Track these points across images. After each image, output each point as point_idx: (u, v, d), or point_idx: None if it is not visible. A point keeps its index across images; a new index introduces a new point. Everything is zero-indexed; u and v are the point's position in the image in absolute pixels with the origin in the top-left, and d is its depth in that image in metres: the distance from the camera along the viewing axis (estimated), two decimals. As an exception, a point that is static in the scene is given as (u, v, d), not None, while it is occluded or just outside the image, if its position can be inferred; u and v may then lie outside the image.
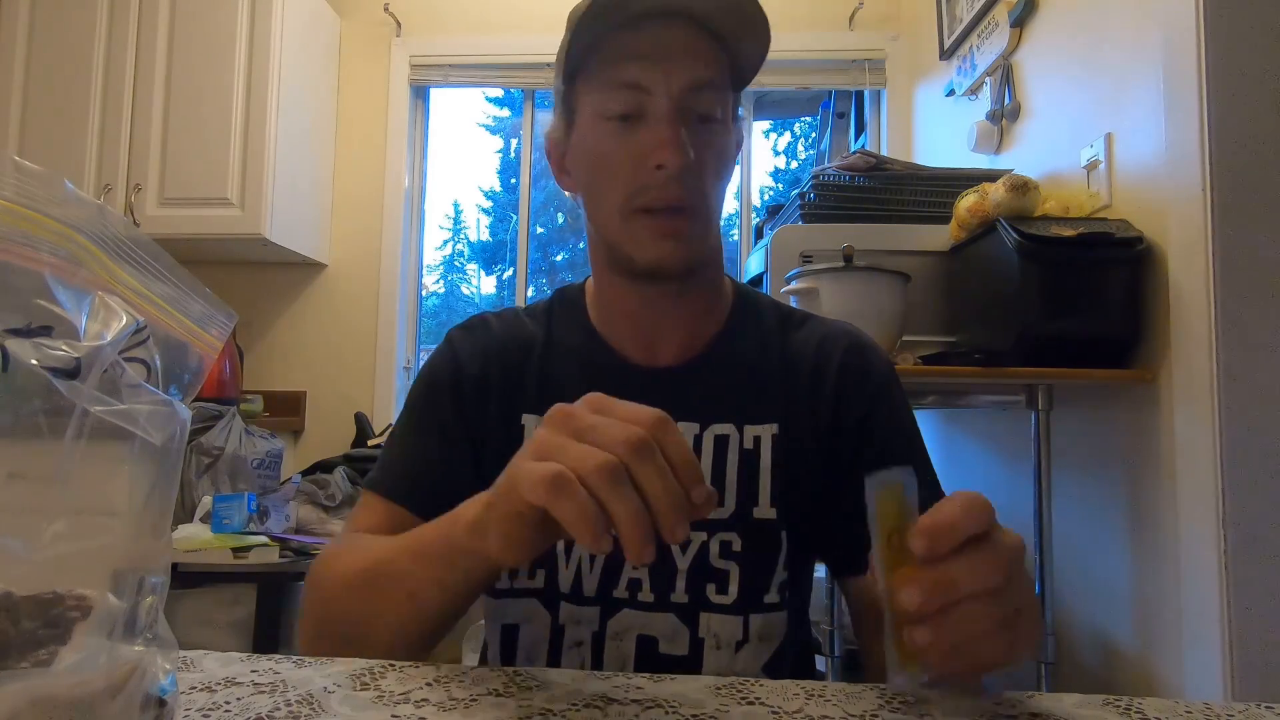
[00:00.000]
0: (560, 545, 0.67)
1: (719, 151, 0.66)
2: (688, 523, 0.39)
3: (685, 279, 0.67)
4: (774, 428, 0.68)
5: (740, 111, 0.74)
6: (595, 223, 0.69)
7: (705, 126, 0.65)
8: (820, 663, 1.62)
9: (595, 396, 0.43)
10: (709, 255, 0.69)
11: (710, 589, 0.65)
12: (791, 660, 0.68)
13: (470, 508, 0.49)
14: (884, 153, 2.43)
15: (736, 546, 0.66)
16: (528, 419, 0.70)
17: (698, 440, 0.68)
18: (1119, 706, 0.42)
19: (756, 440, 0.68)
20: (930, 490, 0.70)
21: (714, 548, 0.66)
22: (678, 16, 0.63)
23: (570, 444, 0.40)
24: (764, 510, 0.67)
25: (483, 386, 0.71)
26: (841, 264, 1.45)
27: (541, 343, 0.74)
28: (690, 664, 0.64)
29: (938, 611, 0.38)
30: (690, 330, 0.71)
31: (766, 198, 3.31)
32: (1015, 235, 1.34)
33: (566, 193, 0.76)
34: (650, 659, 0.65)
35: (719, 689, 0.43)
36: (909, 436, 0.72)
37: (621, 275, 0.69)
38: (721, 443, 0.68)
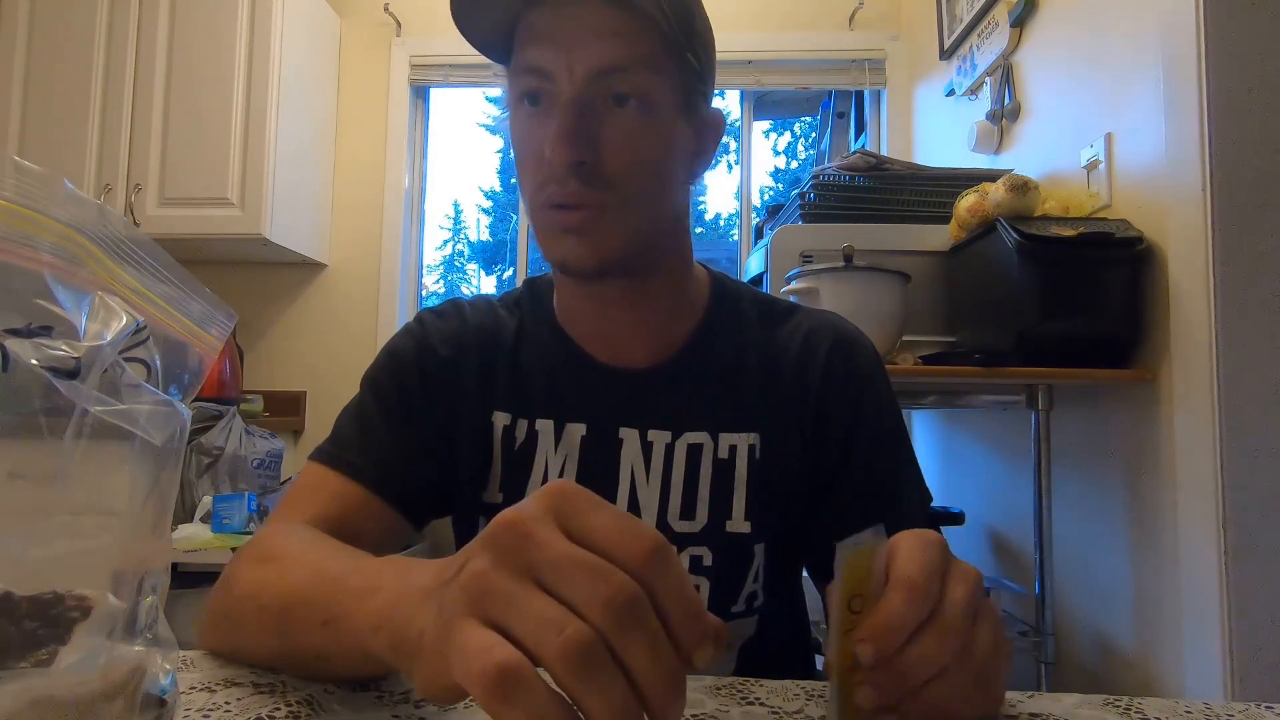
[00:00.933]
0: None
1: (640, 141, 0.58)
2: (684, 695, 0.28)
3: (605, 278, 0.61)
4: (752, 437, 0.65)
5: (719, 94, 0.67)
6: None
7: (623, 110, 0.58)
8: (820, 662, 1.62)
9: (560, 493, 0.29)
10: (633, 251, 0.61)
11: None
12: (766, 659, 0.65)
13: (394, 613, 0.34)
14: (884, 153, 2.43)
15: (707, 561, 0.63)
16: (498, 416, 0.67)
17: (669, 449, 0.65)
18: (1119, 706, 0.42)
19: (732, 450, 0.65)
20: (916, 490, 0.69)
21: (684, 562, 0.63)
22: None
23: (524, 596, 0.27)
24: (737, 524, 0.64)
25: (453, 375, 0.68)
26: (841, 264, 1.45)
27: (513, 335, 0.70)
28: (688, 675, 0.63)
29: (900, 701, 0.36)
30: (655, 331, 0.67)
31: (766, 198, 3.32)
32: (1015, 235, 1.34)
33: None
34: None
35: (719, 689, 0.43)
36: (895, 441, 0.69)
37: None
38: (695, 451, 0.65)
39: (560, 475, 0.65)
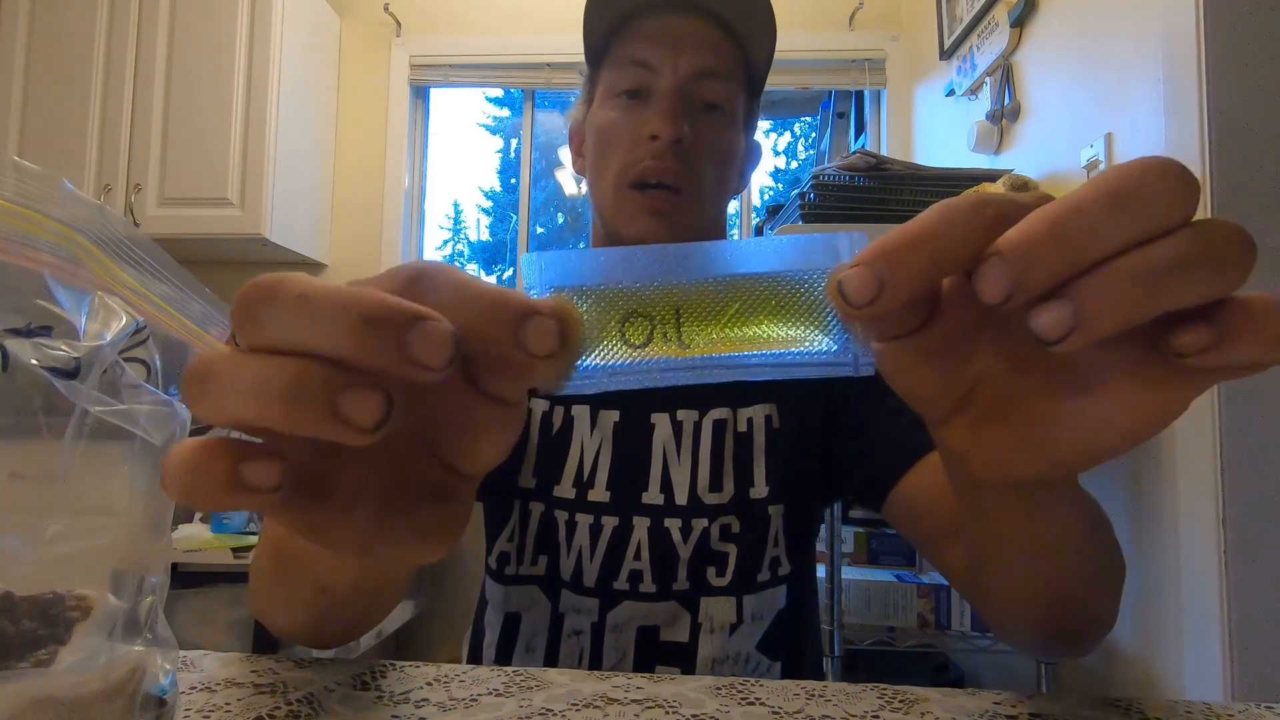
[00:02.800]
0: (561, 532, 0.67)
1: (721, 142, 0.68)
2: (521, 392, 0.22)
3: None
4: (768, 408, 0.69)
5: (755, 124, 0.75)
6: (594, 199, 0.71)
7: (709, 115, 0.67)
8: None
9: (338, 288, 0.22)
10: (699, 239, 0.69)
11: (710, 572, 0.66)
12: (787, 635, 0.68)
13: None
14: (884, 153, 2.43)
15: (735, 529, 0.67)
16: (536, 402, 0.70)
17: (697, 426, 0.68)
18: (1119, 706, 0.42)
19: (750, 422, 0.69)
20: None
21: (714, 532, 0.66)
22: (693, 9, 0.66)
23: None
24: (759, 489, 0.68)
25: None
26: (841, 264, 1.45)
27: None
28: (688, 649, 0.65)
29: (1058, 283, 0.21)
30: None
31: (766, 198, 3.32)
32: (1015, 235, 1.34)
33: (575, 175, 0.78)
34: (650, 647, 0.65)
35: (719, 689, 0.43)
36: None
37: None
38: (720, 427, 0.69)
39: (596, 459, 0.69)
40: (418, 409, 0.22)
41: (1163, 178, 0.22)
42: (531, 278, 0.22)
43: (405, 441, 0.22)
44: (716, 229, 0.72)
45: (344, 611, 0.44)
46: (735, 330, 0.22)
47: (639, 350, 0.22)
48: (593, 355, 0.22)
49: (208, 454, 0.18)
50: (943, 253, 0.21)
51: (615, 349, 0.22)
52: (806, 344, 0.22)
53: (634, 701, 0.40)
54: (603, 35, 0.69)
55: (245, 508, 0.19)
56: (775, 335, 0.22)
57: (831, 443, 0.70)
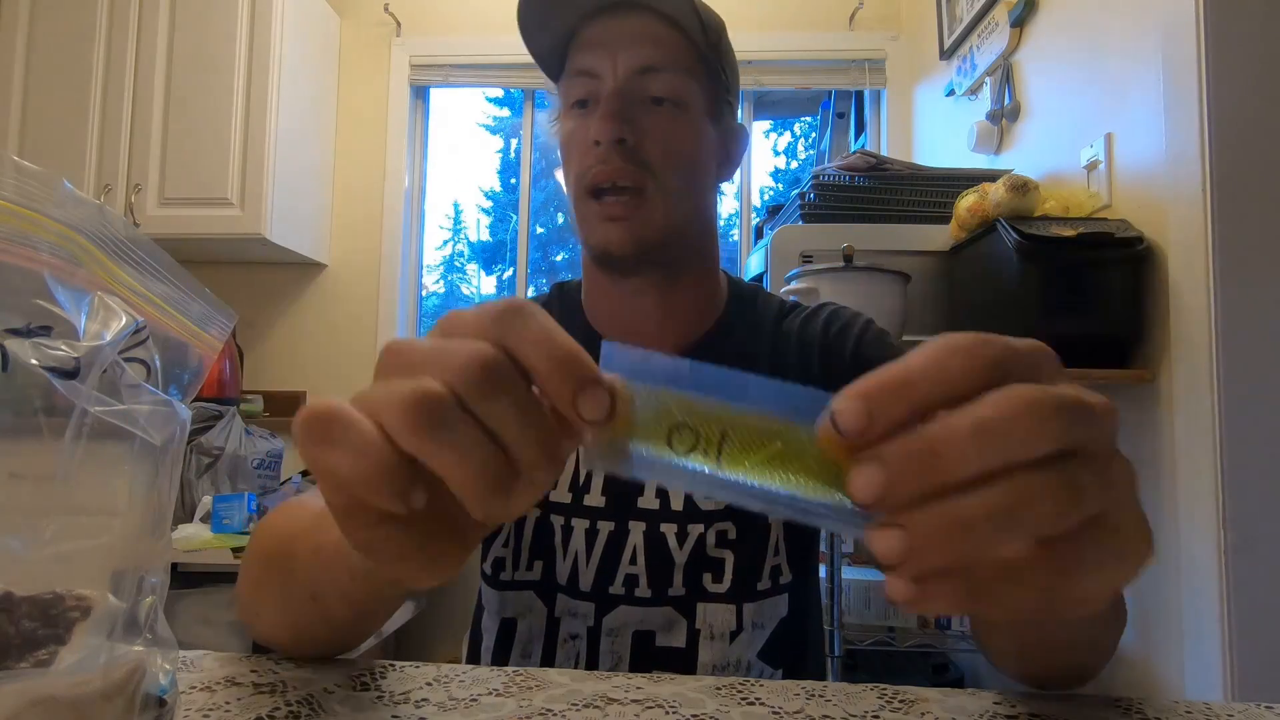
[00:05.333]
0: (557, 536, 0.67)
1: (675, 134, 0.65)
2: (560, 457, 0.25)
3: (641, 265, 0.66)
4: None
5: (738, 111, 0.73)
6: (569, 212, 0.70)
7: (657, 109, 0.65)
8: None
9: (449, 315, 0.27)
10: (669, 240, 0.66)
11: (707, 578, 0.66)
12: (789, 644, 0.67)
13: None
14: (884, 153, 2.43)
15: (731, 535, 0.66)
16: None
17: None
18: (1119, 706, 0.42)
19: None
20: None
21: (710, 538, 0.66)
22: (629, 6, 0.65)
23: (382, 384, 0.25)
24: None
25: None
26: (841, 264, 1.45)
27: None
28: (686, 656, 0.65)
29: (913, 508, 0.21)
30: (681, 330, 0.71)
31: (766, 198, 3.31)
32: (1015, 235, 1.34)
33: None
34: (646, 652, 0.65)
35: (719, 689, 0.43)
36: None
37: (601, 270, 0.69)
38: None
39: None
40: None
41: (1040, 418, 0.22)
42: (608, 363, 0.25)
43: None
44: (695, 224, 0.69)
45: (327, 624, 0.46)
46: (771, 467, 0.23)
47: (679, 455, 0.24)
48: (637, 446, 0.24)
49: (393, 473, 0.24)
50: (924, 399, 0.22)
51: (659, 447, 0.24)
52: (833, 500, 0.23)
53: (634, 701, 0.40)
54: (552, 50, 0.68)
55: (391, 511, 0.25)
56: (807, 482, 0.24)
57: None
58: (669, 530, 0.66)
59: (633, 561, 0.66)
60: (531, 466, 0.25)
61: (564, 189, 0.74)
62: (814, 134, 3.16)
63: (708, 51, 0.67)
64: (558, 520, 0.67)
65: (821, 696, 0.42)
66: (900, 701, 0.41)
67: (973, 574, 0.22)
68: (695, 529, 0.66)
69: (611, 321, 0.71)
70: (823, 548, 1.59)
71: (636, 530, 0.66)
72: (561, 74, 0.69)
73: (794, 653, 0.68)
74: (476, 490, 0.24)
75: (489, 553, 0.70)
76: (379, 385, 0.25)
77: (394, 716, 0.38)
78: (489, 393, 0.24)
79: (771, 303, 0.75)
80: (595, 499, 0.67)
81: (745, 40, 2.75)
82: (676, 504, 0.67)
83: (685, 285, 0.70)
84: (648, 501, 0.67)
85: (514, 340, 0.25)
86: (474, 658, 0.71)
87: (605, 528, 0.67)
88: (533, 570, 0.67)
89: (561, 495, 0.68)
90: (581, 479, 0.68)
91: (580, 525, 0.67)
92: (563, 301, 0.76)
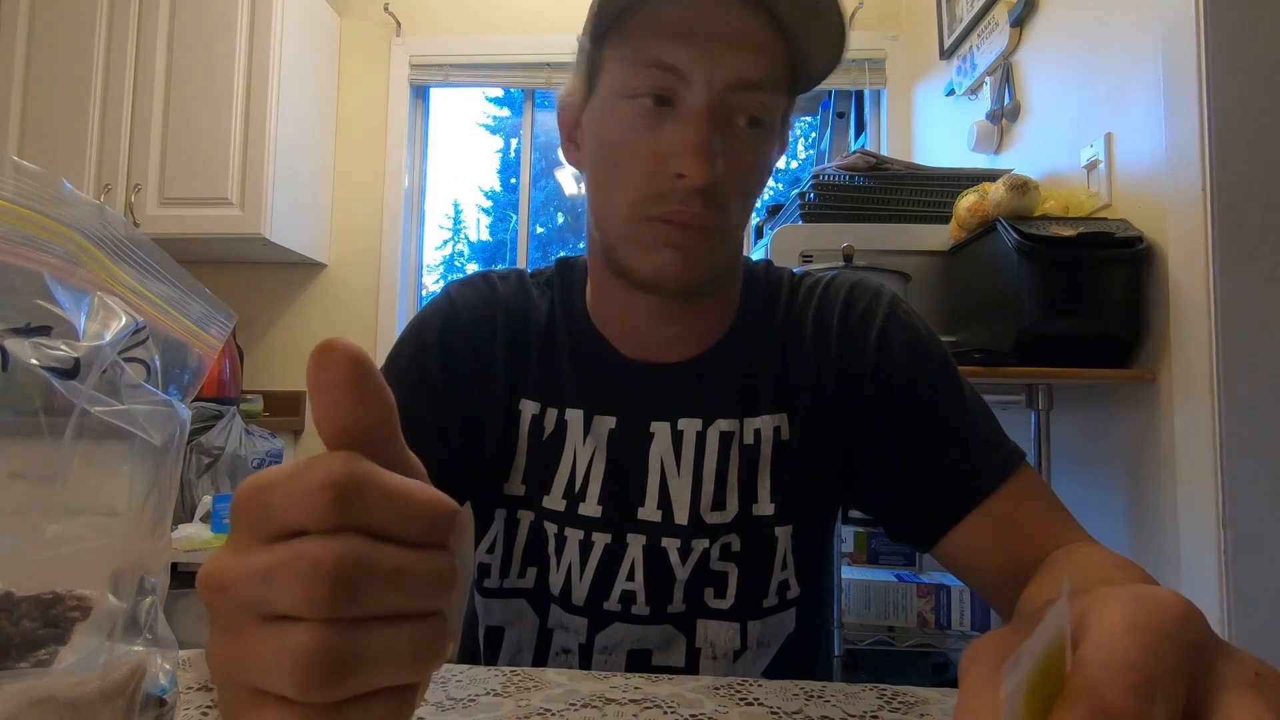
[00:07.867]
0: (550, 545, 0.63)
1: (758, 164, 0.57)
2: (443, 637, 0.23)
3: (690, 299, 0.59)
4: (779, 418, 0.63)
5: (790, 119, 0.64)
6: (597, 216, 0.60)
7: (748, 133, 0.55)
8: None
9: (234, 505, 0.23)
10: (718, 275, 0.60)
11: (709, 594, 0.62)
12: (796, 659, 0.64)
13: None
14: (884, 153, 2.43)
15: (736, 547, 0.62)
16: (526, 405, 0.64)
17: (700, 437, 0.63)
18: (1118, 706, 0.42)
19: (757, 434, 0.63)
20: (999, 452, 0.60)
21: (715, 552, 0.62)
22: None
23: (244, 636, 0.22)
24: (763, 507, 0.62)
25: (480, 355, 0.64)
26: (841, 264, 1.45)
27: (545, 316, 0.66)
28: (685, 675, 0.62)
29: None
30: (695, 341, 0.65)
31: (767, 197, 3.32)
32: (1015, 235, 1.34)
33: (570, 168, 0.67)
34: (643, 671, 0.61)
35: (717, 689, 0.43)
36: (936, 384, 0.62)
37: (619, 279, 0.60)
38: (726, 439, 0.63)
39: (588, 470, 0.63)
40: None
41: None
42: None
43: None
44: (738, 255, 0.64)
45: None
46: None
47: None
48: None
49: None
50: None
51: None
52: None
53: (632, 701, 0.40)
54: (619, 8, 0.54)
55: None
56: None
57: (854, 463, 0.64)
58: (671, 545, 0.62)
59: (630, 577, 0.62)
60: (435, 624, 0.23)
61: (576, 167, 0.64)
62: (814, 133, 3.16)
63: (814, 79, 0.58)
64: (551, 528, 0.63)
65: (821, 696, 0.42)
66: (900, 702, 0.41)
67: None
68: (700, 544, 0.61)
69: (622, 329, 0.65)
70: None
71: (635, 544, 0.62)
72: (615, 35, 0.55)
73: (801, 671, 0.63)
74: (413, 673, 0.22)
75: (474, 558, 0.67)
76: (237, 637, 0.22)
77: (394, 716, 0.38)
78: (360, 593, 0.21)
79: (781, 290, 0.69)
80: (591, 508, 0.62)
81: (745, 40, 2.75)
82: (681, 516, 0.62)
83: (707, 304, 0.64)
84: (649, 513, 0.62)
85: (356, 516, 0.22)
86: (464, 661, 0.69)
87: (601, 540, 0.62)
88: (525, 578, 0.63)
89: (555, 502, 0.63)
90: (577, 485, 0.63)
91: (574, 536, 0.62)
92: (565, 283, 0.68)
